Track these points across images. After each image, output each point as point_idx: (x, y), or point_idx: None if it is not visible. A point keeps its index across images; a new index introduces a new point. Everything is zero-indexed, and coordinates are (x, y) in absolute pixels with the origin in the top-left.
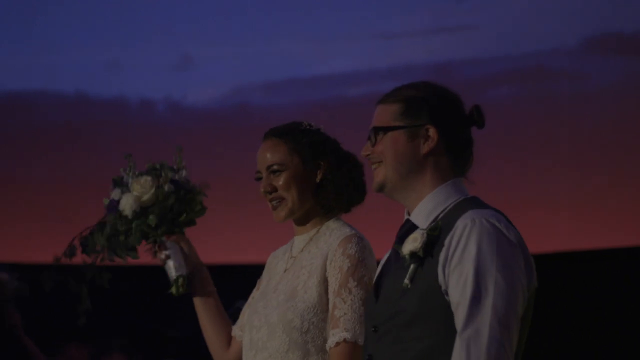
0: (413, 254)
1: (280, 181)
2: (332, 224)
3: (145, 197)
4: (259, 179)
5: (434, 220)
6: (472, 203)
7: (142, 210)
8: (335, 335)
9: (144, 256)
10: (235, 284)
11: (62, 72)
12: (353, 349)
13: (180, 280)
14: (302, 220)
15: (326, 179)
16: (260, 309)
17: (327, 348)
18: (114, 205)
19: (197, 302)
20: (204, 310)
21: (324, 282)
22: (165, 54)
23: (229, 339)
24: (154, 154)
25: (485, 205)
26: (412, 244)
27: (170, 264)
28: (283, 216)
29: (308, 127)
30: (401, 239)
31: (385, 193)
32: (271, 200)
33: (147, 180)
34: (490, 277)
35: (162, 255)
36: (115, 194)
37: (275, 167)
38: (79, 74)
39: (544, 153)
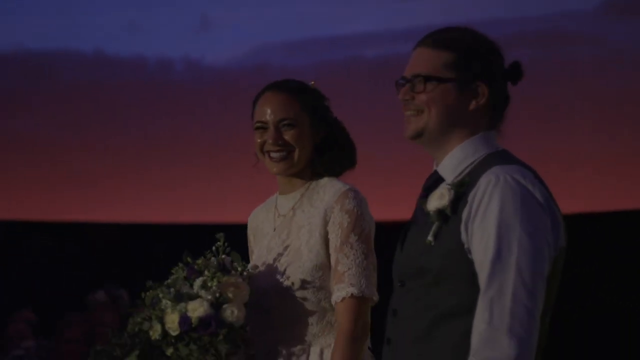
0: (440, 212)
1: (289, 136)
2: (323, 181)
3: (246, 299)
4: (261, 128)
5: (460, 174)
6: (499, 157)
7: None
8: (342, 290)
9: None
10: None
11: (81, 32)
12: (361, 303)
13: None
14: (296, 176)
15: (326, 142)
16: (264, 271)
17: (333, 303)
18: (213, 320)
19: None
20: None
21: (326, 239)
22: (183, 14)
23: None
24: (172, 113)
25: (514, 160)
26: (439, 200)
27: None
28: (284, 169)
29: (315, 88)
30: (426, 191)
31: (418, 141)
32: (276, 152)
33: (237, 282)
34: (514, 236)
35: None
36: (198, 310)
37: (287, 121)
38: (98, 33)
39: (562, 117)
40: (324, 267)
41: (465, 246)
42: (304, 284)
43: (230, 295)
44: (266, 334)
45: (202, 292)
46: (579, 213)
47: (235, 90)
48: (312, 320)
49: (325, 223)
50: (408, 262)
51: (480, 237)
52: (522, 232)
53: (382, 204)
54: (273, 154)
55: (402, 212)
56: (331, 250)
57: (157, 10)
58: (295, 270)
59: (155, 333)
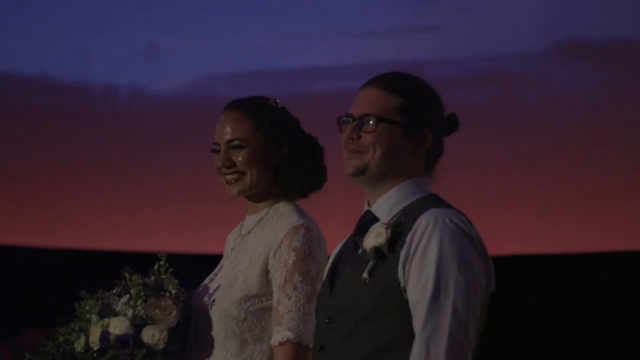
0: (377, 250)
1: (240, 157)
2: (281, 207)
3: (171, 323)
4: (216, 151)
5: (396, 215)
6: (434, 201)
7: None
8: (279, 334)
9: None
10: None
11: (28, 55)
12: (297, 349)
13: None
14: (256, 199)
15: (287, 161)
16: (205, 290)
17: (272, 345)
18: (131, 340)
19: None
20: None
21: (266, 273)
22: (131, 41)
23: None
24: (116, 141)
25: (448, 205)
26: (376, 239)
27: None
28: (236, 192)
29: (274, 104)
30: (361, 230)
31: (358, 179)
32: (227, 175)
33: (167, 304)
34: (452, 277)
35: None
36: (121, 326)
37: (236, 142)
38: (45, 57)
39: (506, 157)
40: (254, 299)
41: (401, 285)
42: (229, 312)
43: (155, 317)
44: (192, 351)
45: (126, 310)
46: (515, 255)
47: (179, 119)
48: (231, 351)
49: (268, 256)
50: (340, 299)
51: (418, 276)
52: (459, 274)
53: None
54: (226, 177)
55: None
56: (274, 288)
57: (104, 36)
58: (226, 296)
59: (79, 346)
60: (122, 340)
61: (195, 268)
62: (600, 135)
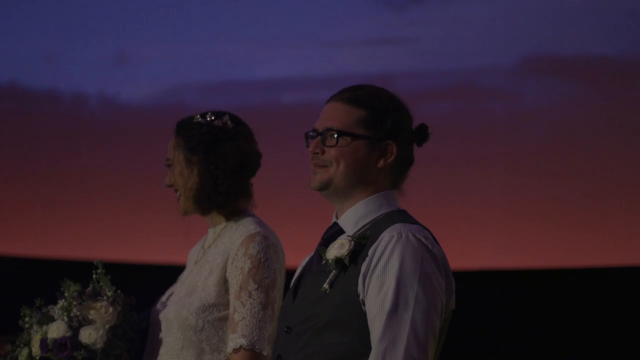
0: (338, 261)
1: (172, 177)
2: (240, 219)
3: (108, 324)
4: None
5: (361, 228)
6: (400, 216)
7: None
8: (233, 341)
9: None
10: None
11: None
12: (251, 356)
13: None
14: (205, 216)
15: (202, 174)
16: (164, 300)
17: (228, 353)
18: (69, 342)
19: None
20: None
21: (224, 281)
22: (101, 49)
23: None
24: (85, 148)
25: (413, 220)
26: (339, 250)
27: None
28: (181, 210)
29: (199, 119)
30: (326, 241)
31: (324, 194)
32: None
33: (102, 305)
34: (412, 292)
35: None
36: (58, 330)
37: (168, 161)
38: (13, 63)
39: (476, 170)
40: (212, 308)
41: (361, 297)
42: (187, 321)
43: (90, 317)
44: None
45: (63, 315)
46: (481, 270)
47: (150, 128)
48: (188, 359)
49: (226, 265)
50: (300, 309)
51: (378, 290)
52: (420, 289)
53: (289, 250)
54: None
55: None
56: (230, 296)
57: (74, 43)
58: (184, 305)
59: (22, 358)
60: (59, 344)
61: (167, 278)
62: (568, 149)
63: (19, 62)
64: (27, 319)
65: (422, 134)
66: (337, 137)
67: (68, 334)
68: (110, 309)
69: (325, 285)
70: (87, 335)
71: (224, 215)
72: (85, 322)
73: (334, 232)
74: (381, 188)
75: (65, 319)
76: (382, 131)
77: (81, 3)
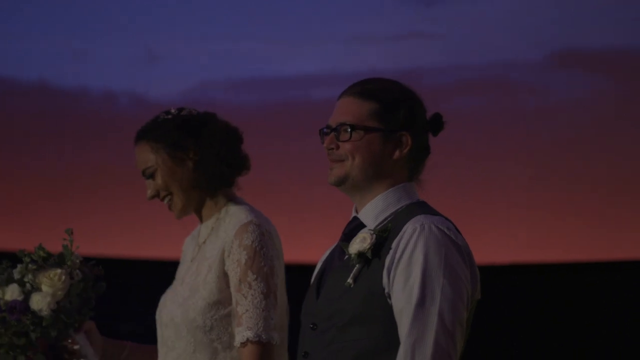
0: (361, 254)
1: (157, 182)
2: (231, 208)
3: (60, 292)
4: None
5: (383, 222)
6: (421, 208)
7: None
8: (240, 334)
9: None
10: None
11: (27, 60)
12: (258, 348)
13: None
14: (198, 211)
15: (198, 165)
16: (168, 303)
17: (236, 346)
18: (18, 306)
19: None
20: None
21: (224, 276)
22: (130, 47)
23: None
24: (115, 146)
25: (435, 212)
26: (361, 244)
27: None
28: (177, 214)
29: (165, 116)
30: (347, 236)
31: (341, 188)
32: (164, 202)
33: (57, 273)
34: (438, 284)
35: (74, 354)
36: (11, 293)
37: (148, 170)
38: (44, 62)
39: (504, 165)
40: (218, 305)
41: (386, 291)
42: (194, 324)
43: (42, 284)
44: None
45: (19, 279)
46: (514, 264)
47: None
48: None
49: (223, 259)
50: (324, 305)
51: (404, 283)
52: (445, 280)
53: (316, 244)
54: (165, 203)
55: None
56: (231, 290)
57: (103, 41)
58: (189, 307)
59: None
60: (10, 307)
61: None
62: (597, 143)
63: (48, 61)
64: None
65: (436, 123)
66: (351, 131)
67: (20, 298)
68: (63, 278)
69: (350, 280)
70: (36, 302)
71: (216, 204)
72: (37, 288)
73: (355, 226)
74: (399, 180)
75: (20, 283)
76: (395, 123)
77: (110, 2)
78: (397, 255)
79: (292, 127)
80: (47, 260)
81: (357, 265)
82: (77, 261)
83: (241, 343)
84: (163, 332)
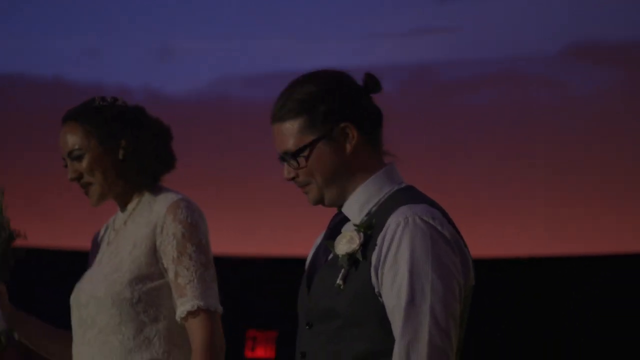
0: (351, 256)
1: (82, 166)
2: (153, 193)
3: None
4: (65, 165)
5: (366, 215)
6: (405, 195)
7: None
8: (186, 304)
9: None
10: (242, 276)
11: (42, 56)
12: (209, 316)
13: (3, 337)
14: (119, 200)
15: (128, 156)
16: (84, 284)
17: (178, 319)
18: None
19: (33, 342)
20: (43, 343)
21: (154, 252)
22: (145, 43)
23: None
24: None
25: (420, 198)
26: (349, 245)
27: None
28: (95, 201)
29: (101, 102)
30: (333, 231)
31: (325, 206)
32: (81, 186)
33: None
34: (426, 279)
35: None
36: None
37: (75, 152)
38: (59, 59)
39: (519, 159)
40: (146, 278)
41: (376, 290)
42: (121, 296)
43: None
44: (80, 348)
45: None
46: (529, 257)
47: (194, 121)
48: (127, 334)
49: (154, 234)
50: (315, 304)
51: (392, 282)
52: (434, 275)
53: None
54: (81, 187)
55: None
56: (167, 264)
57: (118, 37)
58: (115, 280)
59: None
60: None
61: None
62: (614, 136)
63: (63, 58)
64: None
65: (371, 83)
66: (296, 159)
67: None
68: None
69: (339, 281)
70: None
71: (139, 191)
72: None
73: (339, 220)
74: (372, 167)
75: None
76: (326, 121)
77: None
78: (383, 253)
79: None
80: None
81: (345, 267)
82: (5, 221)
83: (189, 312)
84: (81, 313)
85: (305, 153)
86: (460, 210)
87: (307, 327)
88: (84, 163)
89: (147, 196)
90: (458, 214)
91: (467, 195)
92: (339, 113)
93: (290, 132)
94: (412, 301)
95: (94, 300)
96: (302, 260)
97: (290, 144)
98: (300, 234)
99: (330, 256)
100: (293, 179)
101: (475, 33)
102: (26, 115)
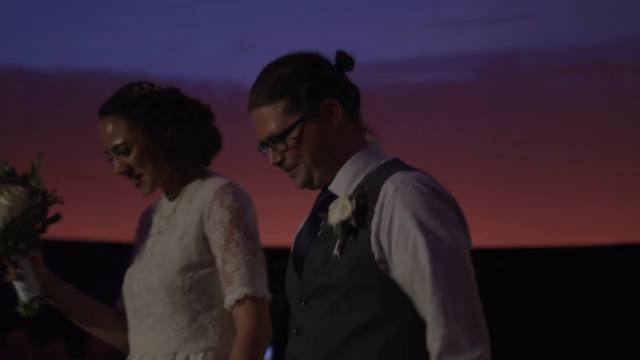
0: (344, 224)
1: (131, 159)
2: (200, 179)
3: (17, 210)
4: (112, 159)
5: (357, 188)
6: (395, 165)
7: (10, 223)
8: (234, 292)
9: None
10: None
11: (123, 51)
12: (257, 304)
13: (36, 303)
14: (167, 187)
15: (175, 142)
16: (137, 274)
17: (227, 307)
18: None
19: (67, 309)
20: (80, 311)
21: (203, 239)
22: (225, 36)
23: (120, 318)
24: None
25: (410, 167)
26: (341, 212)
27: (22, 285)
28: (147, 192)
29: (139, 91)
30: (319, 209)
31: (314, 187)
32: (131, 179)
33: (19, 190)
34: (438, 236)
35: (14, 275)
36: None
37: (121, 147)
38: (140, 53)
39: (603, 144)
40: (197, 267)
41: (376, 257)
42: (173, 285)
43: (2, 197)
44: (136, 338)
45: None
46: (625, 244)
47: None
48: (181, 323)
49: (202, 221)
50: (311, 280)
51: (404, 247)
52: (443, 230)
53: None
54: (131, 180)
55: None
56: (215, 251)
57: (199, 31)
58: (166, 269)
59: None
60: None
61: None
62: None
63: (144, 52)
64: None
65: (344, 61)
66: (284, 140)
67: None
68: (23, 196)
69: (336, 252)
70: None
71: (186, 179)
72: None
73: (325, 198)
74: (357, 144)
75: None
76: (309, 99)
77: None
78: (385, 220)
79: (388, 111)
80: (11, 177)
81: (341, 236)
82: (41, 185)
83: (237, 300)
84: (135, 302)
85: (293, 134)
86: (540, 194)
87: (302, 302)
88: (132, 156)
89: (195, 182)
90: (539, 198)
91: (547, 180)
92: (322, 90)
93: (272, 115)
94: (432, 260)
95: (147, 291)
96: (279, 250)
97: (274, 127)
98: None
99: (321, 231)
100: (279, 163)
101: (555, 20)
102: None
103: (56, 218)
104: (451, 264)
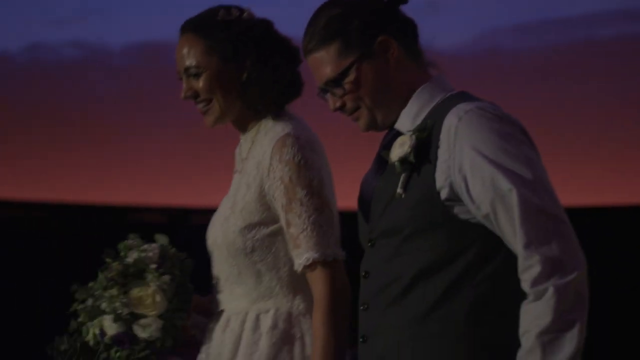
0: (404, 160)
1: (200, 84)
2: (269, 122)
3: (161, 308)
4: (180, 79)
5: (420, 123)
6: (460, 97)
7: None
8: (301, 257)
9: None
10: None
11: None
12: (328, 267)
13: None
14: (238, 123)
15: (251, 79)
16: (216, 221)
17: (297, 271)
18: (125, 338)
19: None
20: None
21: (263, 195)
22: None
23: None
24: None
25: (476, 98)
26: (400, 148)
27: None
28: (212, 121)
29: (227, 16)
30: (385, 147)
31: (378, 129)
32: (197, 104)
33: (148, 296)
34: (513, 163)
35: (191, 335)
36: (109, 328)
37: (192, 70)
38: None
39: None
40: (259, 224)
41: (443, 194)
42: (235, 246)
43: (140, 312)
44: (215, 296)
45: (113, 306)
46: None
47: (465, 75)
48: (250, 284)
49: (261, 176)
50: (377, 220)
51: (481, 179)
52: (520, 153)
53: None
54: (198, 106)
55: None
56: (278, 210)
57: None
58: (228, 228)
59: (90, 338)
60: (117, 340)
61: None
62: None
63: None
64: (78, 306)
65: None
66: (341, 84)
67: (122, 330)
68: (158, 297)
69: (399, 190)
70: (142, 330)
71: (258, 118)
72: (135, 317)
73: (392, 136)
74: (420, 79)
75: (115, 312)
76: (364, 38)
77: None
78: (453, 154)
79: (577, 69)
80: (126, 273)
81: (403, 173)
82: (155, 263)
83: (305, 266)
84: (214, 253)
85: (350, 76)
86: None
87: (370, 244)
88: (202, 81)
89: (265, 124)
90: None
91: (593, 126)
92: (373, 27)
93: (327, 59)
94: (515, 184)
95: (216, 248)
96: None
97: (329, 71)
98: None
99: (387, 168)
100: (340, 108)
101: None
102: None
103: (188, 265)
104: (535, 186)
